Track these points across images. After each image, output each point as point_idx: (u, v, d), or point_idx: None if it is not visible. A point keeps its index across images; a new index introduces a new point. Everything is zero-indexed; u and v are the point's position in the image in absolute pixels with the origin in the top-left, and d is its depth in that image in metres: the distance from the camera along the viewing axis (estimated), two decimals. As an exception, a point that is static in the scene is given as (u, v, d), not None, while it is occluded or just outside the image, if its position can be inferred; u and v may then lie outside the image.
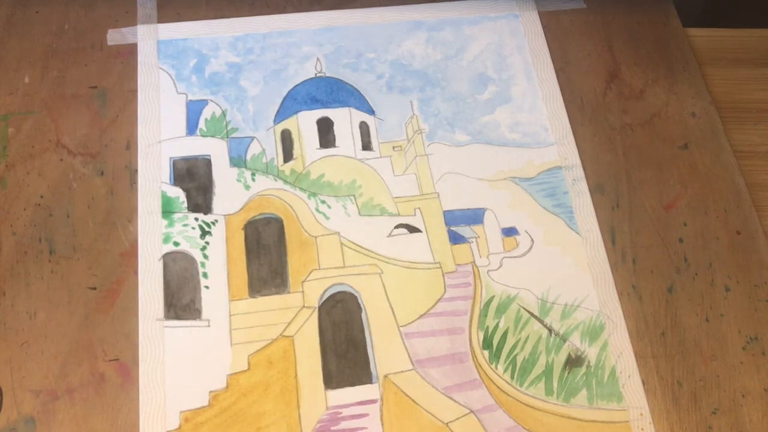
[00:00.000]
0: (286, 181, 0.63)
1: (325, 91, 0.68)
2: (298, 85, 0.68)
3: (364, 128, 0.67)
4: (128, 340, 0.56)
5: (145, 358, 0.55)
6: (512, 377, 0.56)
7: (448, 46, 0.71)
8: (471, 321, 0.58)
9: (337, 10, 0.72)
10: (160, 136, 0.64)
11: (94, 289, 0.58)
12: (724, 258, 0.61)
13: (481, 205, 0.63)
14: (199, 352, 0.56)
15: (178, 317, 0.57)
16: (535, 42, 0.71)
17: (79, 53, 0.69)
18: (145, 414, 0.53)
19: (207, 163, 0.64)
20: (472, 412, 0.54)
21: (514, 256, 0.61)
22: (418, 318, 0.58)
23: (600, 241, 0.61)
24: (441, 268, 0.60)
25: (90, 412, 0.53)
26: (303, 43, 0.70)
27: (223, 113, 0.66)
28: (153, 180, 0.62)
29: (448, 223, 0.62)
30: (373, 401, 0.55)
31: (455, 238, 0.61)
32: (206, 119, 0.66)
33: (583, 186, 0.64)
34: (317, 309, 0.58)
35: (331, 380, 0.55)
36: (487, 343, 0.57)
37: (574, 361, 0.57)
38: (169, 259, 0.59)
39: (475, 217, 0.62)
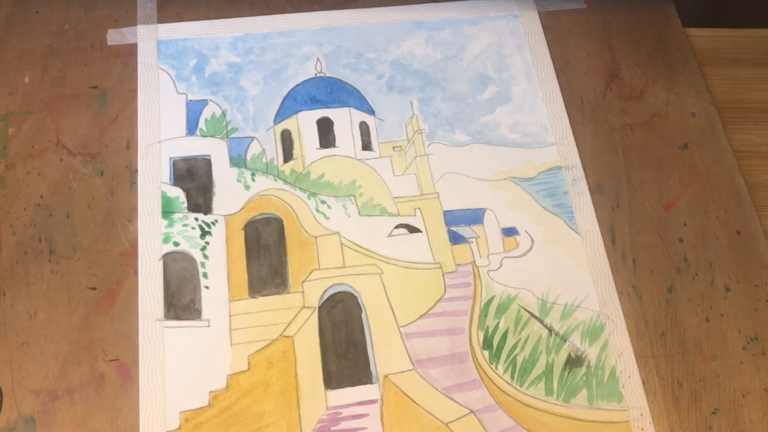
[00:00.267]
0: (286, 181, 0.63)
1: (325, 91, 0.68)
2: (298, 85, 0.68)
3: (364, 128, 0.67)
4: (128, 340, 0.56)
5: (145, 358, 0.55)
6: (512, 377, 0.56)
7: (448, 46, 0.71)
8: (471, 321, 0.58)
9: (337, 10, 0.72)
10: (160, 136, 0.64)
11: (94, 289, 0.58)
12: (724, 258, 0.61)
13: (481, 205, 0.63)
14: (199, 352, 0.56)
15: (178, 317, 0.57)
16: (535, 42, 0.71)
17: (79, 53, 0.69)
18: (145, 414, 0.53)
19: (207, 163, 0.64)
20: (472, 412, 0.54)
21: (514, 256, 0.61)
22: (418, 318, 0.58)
23: (600, 241, 0.61)
24: (441, 268, 0.60)
25: (90, 412, 0.53)
26: (303, 43, 0.70)
27: (223, 113, 0.66)
28: (153, 180, 0.62)
29: (448, 223, 0.62)
30: (373, 401, 0.55)
31: (455, 238, 0.61)
32: (206, 119, 0.66)
33: (583, 186, 0.64)
34: (317, 309, 0.58)
35: (331, 380, 0.55)
36: (487, 343, 0.57)
37: (574, 361, 0.57)
38: (169, 259, 0.59)
39: (475, 217, 0.62)
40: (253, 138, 0.65)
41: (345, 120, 0.67)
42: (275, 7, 0.72)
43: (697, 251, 0.61)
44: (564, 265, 0.60)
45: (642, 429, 0.54)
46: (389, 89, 0.69)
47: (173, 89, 0.67)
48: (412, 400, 0.55)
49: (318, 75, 0.69)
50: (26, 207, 0.61)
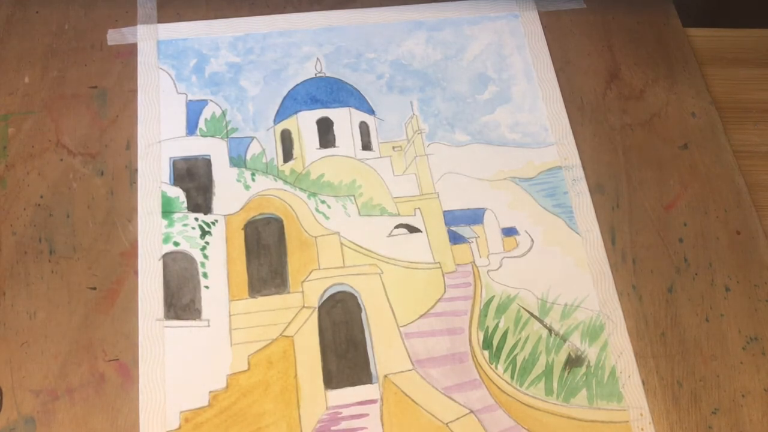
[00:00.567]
0: (286, 181, 0.63)
1: (325, 91, 0.68)
2: (298, 85, 0.68)
3: (364, 128, 0.67)
4: (128, 340, 0.56)
5: (145, 358, 0.55)
6: (512, 377, 0.56)
7: (448, 46, 0.71)
8: (471, 321, 0.58)
9: (337, 10, 0.72)
10: (160, 136, 0.64)
11: (94, 289, 0.58)
12: (724, 258, 0.61)
13: (481, 205, 0.63)
14: (199, 352, 0.56)
15: (178, 317, 0.57)
16: (535, 42, 0.71)
17: (79, 53, 0.69)
18: (145, 414, 0.53)
19: (207, 163, 0.64)
20: (472, 412, 0.54)
21: (514, 256, 0.61)
22: (418, 318, 0.58)
23: (600, 241, 0.61)
24: (441, 268, 0.60)
25: (90, 412, 0.53)
26: (303, 43, 0.70)
27: (223, 113, 0.66)
28: (153, 180, 0.62)
29: (448, 223, 0.62)
30: (373, 401, 0.55)
31: (455, 238, 0.61)
32: (206, 119, 0.66)
33: (583, 186, 0.64)
34: (317, 309, 0.58)
35: (331, 380, 0.55)
36: (487, 343, 0.57)
37: (574, 361, 0.57)
38: (169, 259, 0.59)
39: (475, 217, 0.62)
40: (253, 138, 0.65)
41: (345, 120, 0.67)
42: (275, 7, 0.72)
43: (697, 251, 0.61)
44: (564, 265, 0.60)
45: (642, 429, 0.54)
46: (389, 89, 0.69)
47: (173, 89, 0.67)
48: (412, 400, 0.55)
49: (318, 75, 0.69)
50: (26, 207, 0.61)
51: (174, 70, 0.68)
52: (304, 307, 0.58)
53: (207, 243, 0.60)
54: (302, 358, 0.56)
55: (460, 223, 0.62)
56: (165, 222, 0.61)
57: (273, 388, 0.55)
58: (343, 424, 0.54)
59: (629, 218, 0.62)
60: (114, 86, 0.67)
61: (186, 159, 0.64)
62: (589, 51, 0.71)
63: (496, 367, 0.56)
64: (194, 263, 0.59)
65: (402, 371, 0.56)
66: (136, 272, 0.58)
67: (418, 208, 0.63)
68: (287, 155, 0.65)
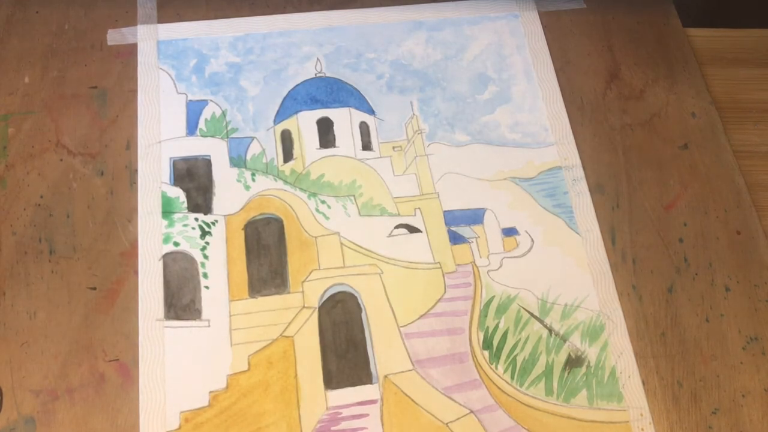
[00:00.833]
0: (286, 181, 0.63)
1: (325, 91, 0.68)
2: (298, 85, 0.68)
3: (364, 128, 0.67)
4: (128, 340, 0.56)
5: (145, 358, 0.55)
6: (512, 377, 0.56)
7: (448, 46, 0.71)
8: (471, 321, 0.58)
9: (337, 10, 0.72)
10: (160, 136, 0.64)
11: (94, 289, 0.58)
12: (724, 258, 0.61)
13: (481, 205, 0.63)
14: (199, 352, 0.56)
15: (178, 317, 0.57)
16: (535, 42, 0.71)
17: (79, 53, 0.69)
18: (145, 414, 0.53)
19: (207, 163, 0.64)
20: (472, 412, 0.54)
21: (514, 256, 0.61)
22: (418, 318, 0.58)
23: (600, 241, 0.61)
24: (441, 268, 0.60)
25: (90, 412, 0.53)
26: (303, 43, 0.70)
27: (223, 113, 0.66)
28: (153, 180, 0.62)
29: (448, 223, 0.62)
30: (373, 401, 0.55)
31: (455, 238, 0.61)
32: (206, 119, 0.66)
33: (583, 186, 0.64)
34: (317, 309, 0.58)
35: (331, 380, 0.55)
36: (487, 344, 0.57)
37: (574, 362, 0.57)
38: (169, 259, 0.59)
39: (475, 217, 0.62)
40: (253, 138, 0.65)
41: (345, 120, 0.67)
42: (275, 7, 0.72)
43: (697, 251, 0.61)
44: (564, 265, 0.60)
45: (642, 429, 0.54)
46: (389, 89, 0.69)
47: (173, 89, 0.67)
48: (412, 400, 0.55)
49: (318, 75, 0.69)
50: (26, 207, 0.61)
51: (174, 70, 0.68)
52: (304, 307, 0.58)
53: (207, 243, 0.60)
54: (302, 358, 0.56)
55: (460, 223, 0.62)
56: (165, 222, 0.61)
57: (273, 388, 0.55)
58: (343, 424, 0.54)
59: (629, 218, 0.62)
60: (114, 86, 0.67)
61: (186, 159, 0.64)
62: (589, 51, 0.71)
63: (496, 368, 0.56)
64: (194, 263, 0.59)
65: (402, 371, 0.56)
66: (136, 272, 0.58)
67: (418, 208, 0.63)
68: (287, 155, 0.65)
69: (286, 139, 0.66)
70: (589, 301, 0.59)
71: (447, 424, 0.54)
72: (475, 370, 0.56)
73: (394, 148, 0.66)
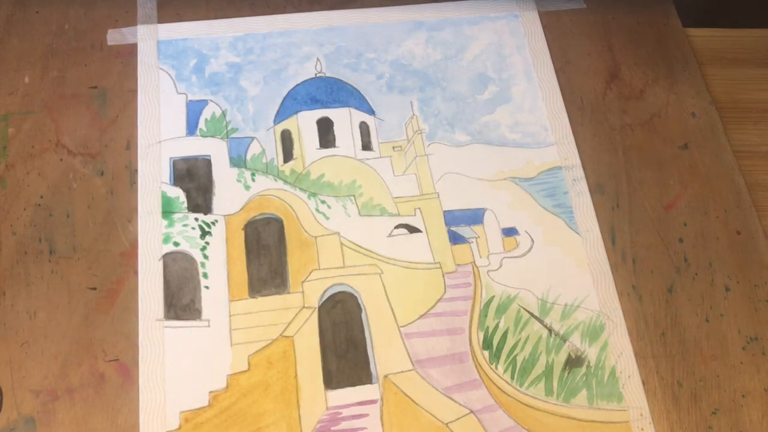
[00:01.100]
0: (286, 181, 0.63)
1: (325, 91, 0.68)
2: (298, 85, 0.68)
3: (364, 128, 0.67)
4: (128, 340, 0.56)
5: (145, 358, 0.55)
6: (512, 377, 0.56)
7: (448, 46, 0.71)
8: (471, 321, 0.58)
9: (337, 10, 0.72)
10: (160, 136, 0.64)
11: (94, 289, 0.58)
12: (724, 258, 0.61)
13: (481, 205, 0.63)
14: (199, 352, 0.56)
15: (178, 317, 0.57)
16: (535, 42, 0.71)
17: (79, 53, 0.69)
18: (145, 414, 0.53)
19: (207, 163, 0.64)
20: (472, 412, 0.54)
21: (514, 256, 0.61)
22: (418, 318, 0.58)
23: (600, 241, 0.61)
24: (441, 268, 0.60)
25: (90, 412, 0.53)
26: (303, 43, 0.70)
27: (223, 113, 0.66)
28: (153, 180, 0.62)
29: (448, 223, 0.62)
30: (373, 401, 0.55)
31: (455, 238, 0.61)
32: (206, 119, 0.66)
33: (583, 186, 0.64)
34: (317, 309, 0.58)
35: (331, 380, 0.55)
36: (487, 344, 0.57)
37: (574, 362, 0.57)
38: (169, 259, 0.59)
39: (475, 217, 0.62)
40: (253, 138, 0.65)
41: (345, 120, 0.67)
42: (275, 7, 0.72)
43: (697, 251, 0.61)
44: (564, 265, 0.60)
45: (642, 429, 0.54)
46: (389, 89, 0.69)
47: (173, 89, 0.67)
48: (412, 400, 0.55)
49: (318, 75, 0.69)
50: (26, 207, 0.61)
51: (174, 70, 0.68)
52: (304, 307, 0.58)
53: (207, 243, 0.60)
54: (302, 358, 0.56)
55: (460, 223, 0.62)
56: (165, 222, 0.61)
57: (273, 388, 0.55)
58: (343, 425, 0.54)
59: (629, 218, 0.62)
60: (114, 86, 0.67)
61: (186, 159, 0.64)
62: (589, 51, 0.71)
63: (496, 368, 0.56)
64: (194, 263, 0.59)
65: (402, 371, 0.56)
66: (136, 272, 0.58)
67: (418, 208, 0.63)
68: (287, 155, 0.65)
69: (286, 139, 0.66)
70: (589, 301, 0.59)
71: (447, 424, 0.54)
72: (475, 370, 0.56)
73: (394, 148, 0.66)
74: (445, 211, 0.63)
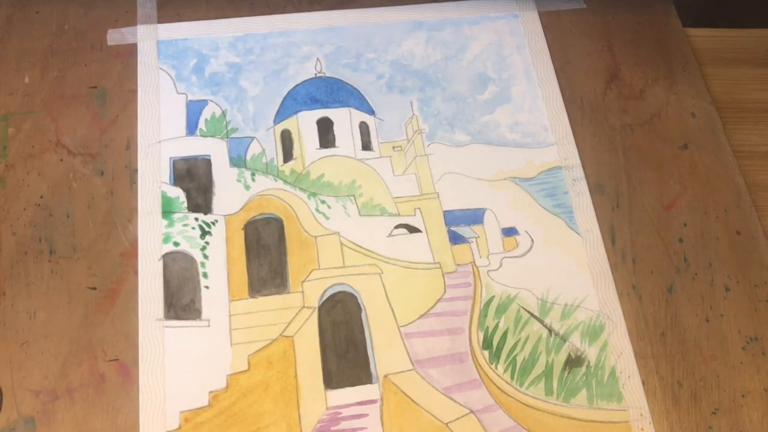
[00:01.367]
0: (286, 181, 0.63)
1: (325, 91, 0.68)
2: (298, 85, 0.68)
3: (364, 128, 0.67)
4: (128, 340, 0.56)
5: (145, 358, 0.55)
6: (512, 377, 0.56)
7: (448, 46, 0.71)
8: (471, 321, 0.58)
9: (337, 10, 0.72)
10: (160, 136, 0.64)
11: (94, 289, 0.58)
12: (724, 258, 0.61)
13: (481, 205, 0.63)
14: (199, 352, 0.56)
15: (178, 317, 0.57)
16: (535, 42, 0.71)
17: (79, 53, 0.69)
18: (145, 414, 0.53)
19: (207, 163, 0.64)
20: (472, 412, 0.54)
21: (514, 256, 0.61)
22: (418, 318, 0.58)
23: (600, 241, 0.61)
24: (441, 268, 0.60)
25: (90, 412, 0.53)
26: (303, 43, 0.70)
27: (223, 113, 0.66)
28: (153, 180, 0.62)
29: (448, 223, 0.62)
30: (373, 401, 0.55)
31: (455, 238, 0.61)
32: (206, 119, 0.66)
33: (583, 186, 0.64)
34: (317, 309, 0.58)
35: (331, 380, 0.55)
36: (487, 343, 0.57)
37: (574, 361, 0.57)
38: (169, 259, 0.59)
39: (475, 217, 0.62)
40: (253, 138, 0.65)
41: (345, 120, 0.67)
42: (275, 7, 0.72)
43: (697, 251, 0.61)
44: (564, 265, 0.60)
45: (642, 429, 0.54)
46: (389, 89, 0.69)
47: (173, 89, 0.67)
48: (412, 400, 0.55)
49: (318, 75, 0.69)
50: (26, 207, 0.61)
51: (174, 70, 0.68)
52: (304, 307, 0.58)
53: (207, 243, 0.60)
54: (302, 358, 0.56)
55: (460, 223, 0.62)
56: (165, 222, 0.61)
57: (273, 388, 0.55)
58: (343, 424, 0.54)
59: (629, 218, 0.62)
60: (114, 86, 0.67)
61: (186, 159, 0.64)
62: (589, 51, 0.71)
63: (496, 367, 0.56)
64: (194, 263, 0.59)
65: (402, 371, 0.56)
66: (136, 272, 0.58)
67: (418, 208, 0.63)
68: (287, 155, 0.65)
69: (286, 139, 0.66)
70: (588, 301, 0.59)
71: (447, 424, 0.54)
72: (475, 370, 0.56)
73: (394, 148, 0.66)
74: (445, 211, 0.63)
